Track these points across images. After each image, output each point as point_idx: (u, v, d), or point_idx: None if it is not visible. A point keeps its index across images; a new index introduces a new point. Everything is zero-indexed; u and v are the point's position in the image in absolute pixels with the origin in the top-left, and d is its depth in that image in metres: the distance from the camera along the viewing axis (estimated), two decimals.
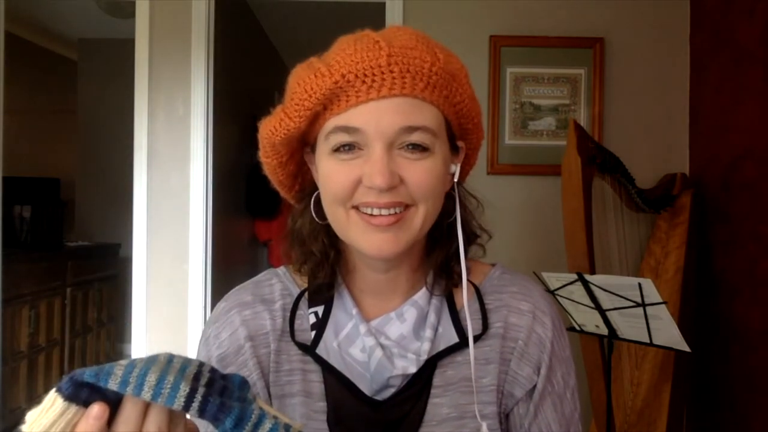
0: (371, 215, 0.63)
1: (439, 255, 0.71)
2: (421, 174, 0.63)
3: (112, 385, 0.44)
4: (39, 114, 4.51)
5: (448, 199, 0.70)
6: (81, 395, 0.44)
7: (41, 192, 4.00)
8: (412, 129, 0.61)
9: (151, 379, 0.45)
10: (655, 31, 2.49)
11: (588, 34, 2.45)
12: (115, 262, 4.26)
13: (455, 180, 0.70)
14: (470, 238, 0.74)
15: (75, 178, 4.52)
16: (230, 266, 3.09)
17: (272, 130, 0.66)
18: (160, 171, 2.49)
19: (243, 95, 3.35)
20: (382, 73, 0.60)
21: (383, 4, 2.47)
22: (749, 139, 2.05)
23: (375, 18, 2.18)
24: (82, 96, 4.53)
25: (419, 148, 0.62)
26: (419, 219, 0.64)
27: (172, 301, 2.49)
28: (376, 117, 0.61)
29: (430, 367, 0.68)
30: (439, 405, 0.68)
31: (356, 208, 0.64)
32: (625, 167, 2.07)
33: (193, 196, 2.50)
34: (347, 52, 0.61)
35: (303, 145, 0.70)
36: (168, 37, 2.49)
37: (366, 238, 0.64)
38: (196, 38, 2.49)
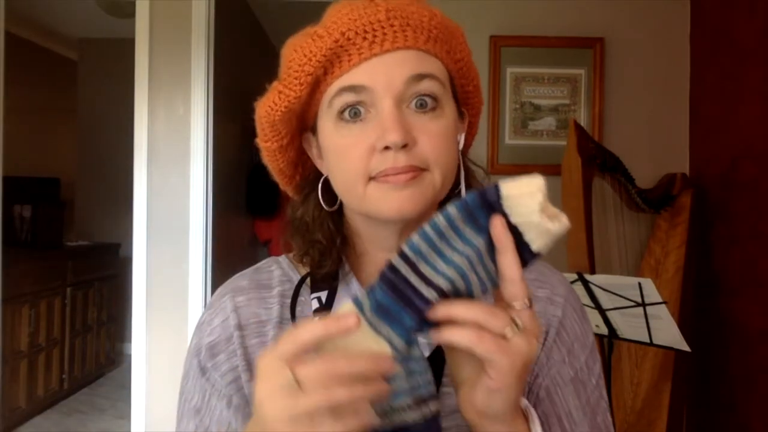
0: (387, 174, 0.60)
1: None
2: (434, 134, 0.60)
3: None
4: (39, 114, 4.51)
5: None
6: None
7: (41, 192, 4.00)
8: (421, 76, 0.60)
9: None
10: (655, 31, 2.49)
11: (588, 34, 2.45)
12: (115, 262, 4.26)
13: (459, 150, 0.68)
14: None
15: (75, 178, 4.52)
16: (230, 266, 3.07)
17: (271, 106, 0.64)
18: (160, 171, 2.49)
19: (243, 95, 3.35)
20: (383, 27, 0.59)
21: None
22: (749, 139, 2.05)
23: None
24: (82, 96, 4.53)
25: (430, 101, 0.61)
26: (438, 180, 0.62)
27: (172, 301, 2.49)
28: (383, 71, 0.59)
29: (441, 355, 0.65)
30: (449, 395, 0.65)
31: (373, 179, 0.61)
32: (625, 167, 2.07)
33: (193, 196, 2.49)
34: (343, 12, 0.60)
35: (302, 129, 0.68)
36: (168, 37, 2.49)
37: (385, 199, 0.61)
38: (196, 38, 2.49)
